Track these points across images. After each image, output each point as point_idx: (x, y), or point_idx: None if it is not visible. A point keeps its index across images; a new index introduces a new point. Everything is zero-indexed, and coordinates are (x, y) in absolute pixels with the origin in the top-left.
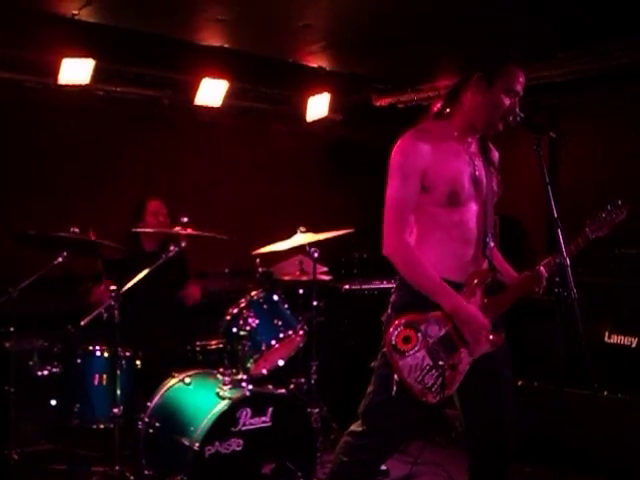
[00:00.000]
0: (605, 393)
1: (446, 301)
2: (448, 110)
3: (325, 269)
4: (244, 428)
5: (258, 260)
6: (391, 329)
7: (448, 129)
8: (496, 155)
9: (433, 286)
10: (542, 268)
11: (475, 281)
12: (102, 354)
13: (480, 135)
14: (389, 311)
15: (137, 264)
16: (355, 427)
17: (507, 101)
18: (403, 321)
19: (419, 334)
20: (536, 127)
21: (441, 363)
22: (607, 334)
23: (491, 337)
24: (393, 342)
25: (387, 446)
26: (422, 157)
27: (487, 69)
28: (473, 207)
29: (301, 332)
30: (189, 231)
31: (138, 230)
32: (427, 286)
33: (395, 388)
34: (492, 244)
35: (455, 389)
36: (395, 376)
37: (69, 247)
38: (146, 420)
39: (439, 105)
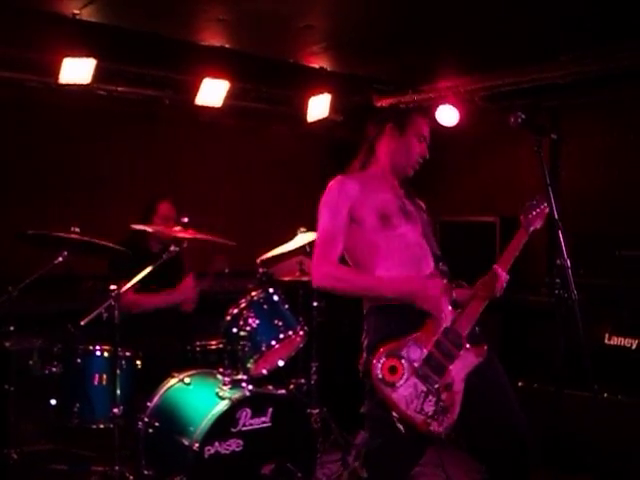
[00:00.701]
0: (605, 395)
1: (390, 288)
2: (368, 162)
3: None
4: (244, 428)
5: (258, 260)
6: (374, 362)
7: (372, 176)
8: (422, 203)
9: (375, 283)
10: (498, 267)
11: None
12: (102, 354)
13: (401, 180)
14: (365, 355)
15: (143, 264)
16: (359, 469)
17: (418, 145)
18: (383, 351)
19: (403, 360)
20: (537, 128)
21: (437, 386)
22: (607, 336)
23: (467, 346)
24: (380, 376)
25: None
26: (348, 195)
27: (398, 119)
28: (410, 231)
29: (301, 332)
30: (194, 234)
31: (137, 228)
32: (369, 286)
33: (401, 427)
34: (443, 266)
35: (457, 413)
36: (394, 413)
37: (70, 247)
38: (146, 420)
39: (359, 159)
